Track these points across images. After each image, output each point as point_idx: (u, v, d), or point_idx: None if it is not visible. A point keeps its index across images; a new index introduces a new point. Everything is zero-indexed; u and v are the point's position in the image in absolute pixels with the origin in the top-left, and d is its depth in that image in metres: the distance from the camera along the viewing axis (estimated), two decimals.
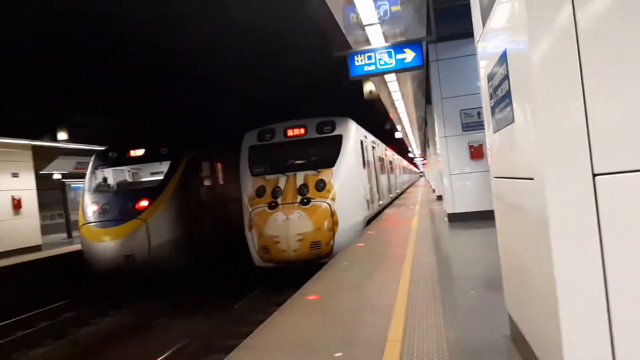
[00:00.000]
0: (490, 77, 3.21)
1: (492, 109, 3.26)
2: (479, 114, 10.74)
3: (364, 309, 4.82)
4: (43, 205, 16.14)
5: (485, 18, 3.22)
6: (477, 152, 10.69)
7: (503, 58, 2.71)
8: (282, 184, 10.58)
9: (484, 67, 3.44)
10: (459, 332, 3.79)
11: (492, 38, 3.09)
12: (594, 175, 2.07)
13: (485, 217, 9.84)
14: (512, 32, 2.51)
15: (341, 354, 3.58)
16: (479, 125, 10.67)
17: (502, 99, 2.86)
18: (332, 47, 9.07)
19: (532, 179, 2.34)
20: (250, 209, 10.51)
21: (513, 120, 2.63)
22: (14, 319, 9.57)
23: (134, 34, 9.65)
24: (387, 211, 16.55)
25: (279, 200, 10.31)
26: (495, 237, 3.61)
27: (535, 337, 2.73)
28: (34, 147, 14.85)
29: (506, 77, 2.68)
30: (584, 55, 2.06)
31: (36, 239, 14.92)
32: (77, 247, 13.49)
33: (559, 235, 2.10)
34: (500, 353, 3.29)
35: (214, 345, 7.51)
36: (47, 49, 9.66)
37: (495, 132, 3.26)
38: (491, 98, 3.26)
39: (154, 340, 8.47)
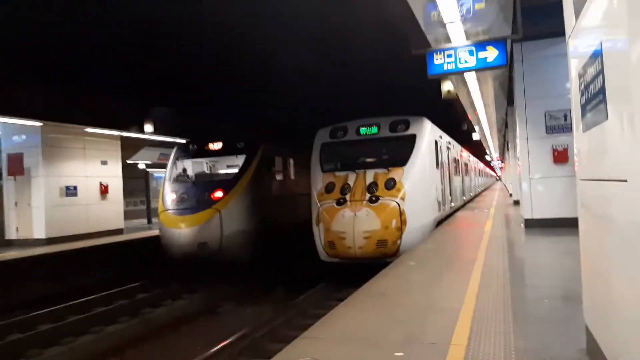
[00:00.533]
0: (581, 74, 2.99)
1: (583, 107, 3.03)
2: (565, 116, 10.09)
3: (429, 309, 4.68)
4: (127, 192, 17.21)
5: (578, 13, 3.02)
6: (561, 156, 10.06)
7: (597, 54, 2.51)
8: (351, 181, 10.54)
9: (576, 64, 3.21)
10: (529, 342, 3.56)
11: (585, 34, 2.88)
12: None
13: (565, 225, 9.26)
14: (608, 29, 2.32)
15: (402, 353, 3.48)
16: (565, 128, 10.03)
17: (595, 96, 2.65)
18: (411, 45, 8.89)
19: (625, 180, 2.14)
20: (318, 204, 10.57)
21: (606, 118, 2.42)
22: (94, 296, 10.27)
23: (215, 34, 10.03)
24: (459, 213, 16.03)
25: (348, 197, 10.28)
26: (574, 245, 3.36)
27: (614, 352, 2.50)
28: (122, 138, 15.89)
29: (600, 73, 2.48)
30: None
31: (119, 222, 15.96)
32: (155, 232, 14.28)
33: None
34: None
35: (276, 334, 7.64)
36: (136, 48, 10.27)
37: (585, 131, 3.03)
38: (582, 95, 3.03)
39: (220, 326, 8.77)
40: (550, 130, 10.26)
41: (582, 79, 2.96)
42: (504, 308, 4.50)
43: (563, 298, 4.80)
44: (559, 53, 9.83)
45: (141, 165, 21.55)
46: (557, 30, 3.61)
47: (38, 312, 9.11)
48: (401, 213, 9.95)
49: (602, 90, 2.46)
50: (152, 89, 13.57)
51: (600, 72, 2.46)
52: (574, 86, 3.29)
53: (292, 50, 10.71)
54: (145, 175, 22.41)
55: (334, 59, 11.98)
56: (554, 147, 10.20)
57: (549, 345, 3.48)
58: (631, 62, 1.97)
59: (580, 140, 3.23)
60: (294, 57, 11.20)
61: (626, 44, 2.00)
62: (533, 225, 10.30)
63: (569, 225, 3.47)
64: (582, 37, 2.98)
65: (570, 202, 3.49)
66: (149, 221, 21.13)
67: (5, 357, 7.00)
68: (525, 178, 10.62)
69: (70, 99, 12.59)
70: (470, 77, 10.78)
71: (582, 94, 2.99)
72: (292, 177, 15.67)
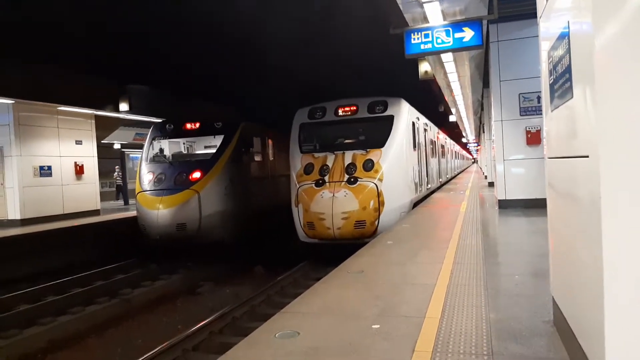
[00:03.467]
0: (550, 54, 3.11)
1: (551, 86, 3.16)
2: (538, 98, 10.32)
3: (405, 285, 4.83)
4: (103, 173, 16.97)
5: None
6: (534, 138, 10.32)
7: (565, 35, 2.62)
8: (330, 162, 10.63)
9: (545, 44, 3.33)
10: (500, 314, 3.74)
11: (555, 16, 2.98)
12: None
13: (537, 206, 9.55)
14: (575, 11, 2.41)
15: (379, 325, 3.62)
16: (538, 110, 10.26)
17: (562, 75, 2.76)
18: (389, 24, 8.93)
19: (587, 156, 2.26)
20: (297, 185, 10.64)
21: (572, 97, 2.54)
22: (71, 277, 10.21)
23: (194, 13, 9.86)
24: (436, 195, 16.32)
25: (327, 178, 10.37)
26: (545, 225, 3.52)
27: (578, 322, 2.67)
28: (96, 117, 15.60)
29: (567, 52, 2.58)
30: None
31: (95, 203, 15.76)
32: (132, 213, 14.17)
33: (610, 215, 2.02)
34: (541, 336, 3.23)
35: (256, 313, 7.77)
36: (112, 23, 10.04)
37: (553, 110, 3.16)
38: (550, 75, 3.15)
39: (200, 305, 8.86)
40: (524, 111, 10.49)
41: (551, 59, 3.07)
42: (476, 283, 4.68)
43: (533, 274, 5.00)
44: (532, 35, 10.04)
45: (116, 145, 21.22)
46: (531, 12, 3.71)
47: (15, 293, 9.03)
48: (379, 194, 10.10)
49: (568, 70, 2.56)
50: (128, 66, 13.31)
51: (567, 52, 2.57)
52: (543, 67, 3.41)
53: (274, 28, 10.60)
54: (120, 155, 22.09)
55: (316, 39, 11.91)
56: (527, 128, 10.44)
57: (518, 317, 3.66)
58: (595, 44, 2.07)
59: (548, 119, 3.36)
60: (275, 37, 11.12)
61: (590, 27, 2.10)
62: (506, 206, 10.58)
63: (541, 206, 3.63)
64: (551, 18, 3.08)
65: (542, 184, 3.64)
66: (126, 202, 20.91)
67: None
68: (500, 160, 10.86)
69: (42, 76, 12.28)
70: (447, 58, 10.89)
71: (550, 73, 3.10)
72: (272, 157, 15.68)
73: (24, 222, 13.00)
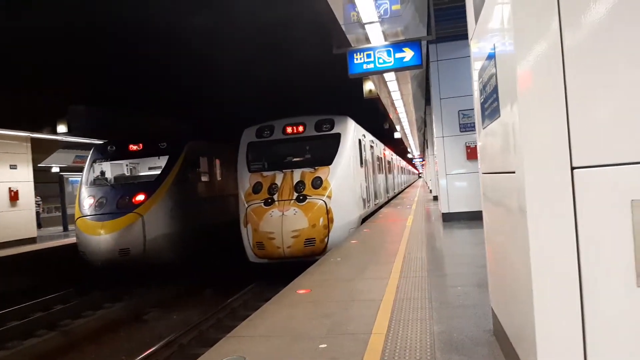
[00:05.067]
0: (480, 74, 3.26)
1: (482, 105, 3.31)
2: None
3: (353, 302, 4.85)
4: (41, 198, 16.14)
5: (477, 17, 3.27)
6: (473, 153, 10.73)
7: (492, 56, 2.76)
8: (279, 181, 10.62)
9: (476, 64, 3.49)
10: (444, 326, 3.82)
11: (483, 37, 3.13)
12: (573, 168, 2.10)
13: (479, 218, 9.87)
14: (500, 35, 2.55)
15: (326, 345, 3.61)
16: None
17: (490, 94, 2.90)
18: (333, 44, 9.10)
19: (514, 172, 2.38)
20: (246, 205, 10.54)
21: (499, 116, 2.67)
22: (8, 309, 9.59)
23: (134, 25, 9.63)
24: (383, 210, 16.59)
25: (276, 197, 10.35)
26: None
27: (513, 330, 2.77)
28: (32, 140, 14.89)
29: (494, 74, 2.72)
30: (568, 62, 2.10)
31: (31, 231, 14.95)
32: (72, 240, 13.52)
33: (536, 226, 2.13)
34: (482, 346, 3.33)
35: (206, 337, 7.56)
36: (46, 40, 9.65)
37: (484, 127, 3.30)
38: (481, 94, 3.31)
39: (147, 333, 8.52)
40: (464, 128, 10.91)
41: (481, 79, 3.23)
42: (421, 296, 4.77)
43: (475, 285, 5.15)
44: (468, 54, 10.52)
45: (55, 169, 20.29)
46: (466, 33, 3.90)
47: None
48: (328, 211, 10.17)
49: (495, 90, 2.70)
50: (67, 84, 12.79)
51: (494, 72, 2.71)
52: (475, 86, 3.57)
53: (223, 46, 10.55)
54: (59, 179, 21.13)
55: (265, 56, 11.94)
56: (467, 144, 10.86)
57: (461, 328, 3.75)
58: (516, 65, 2.20)
59: (481, 137, 3.51)
60: (225, 53, 11.04)
61: (513, 49, 2.23)
62: (450, 219, 10.91)
63: (482, 218, 3.76)
64: (480, 41, 3.25)
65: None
66: (65, 228, 19.94)
67: None
68: (442, 174, 11.22)
69: None
70: (390, 77, 11.21)
71: (481, 93, 3.26)
72: (219, 177, 15.46)
73: None
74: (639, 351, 1.99)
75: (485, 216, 3.65)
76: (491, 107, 2.91)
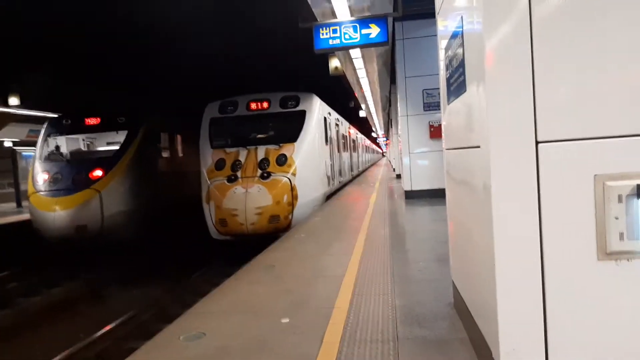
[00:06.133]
0: (447, 49, 3.24)
1: (448, 80, 3.30)
2: (440, 94, 10.85)
3: (316, 278, 4.85)
4: None
5: None
6: (436, 132, 10.84)
7: (459, 32, 2.73)
8: (242, 158, 10.48)
9: (443, 40, 3.46)
10: (406, 300, 3.87)
11: (450, 14, 3.10)
12: (537, 142, 2.11)
13: (441, 195, 10.06)
14: (468, 11, 2.52)
15: (288, 319, 3.60)
16: (440, 106, 10.80)
17: (456, 69, 2.88)
18: (299, 18, 8.92)
19: (479, 147, 2.38)
20: (209, 182, 10.36)
21: (465, 91, 2.66)
22: None
23: None
24: (347, 188, 16.68)
25: (239, 174, 10.21)
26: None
27: (474, 302, 2.82)
28: None
29: (461, 49, 2.70)
30: (536, 39, 2.09)
31: None
32: (26, 216, 13.00)
33: (500, 200, 2.14)
34: (443, 319, 3.38)
35: (166, 314, 7.44)
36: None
37: (449, 104, 3.30)
38: (447, 69, 3.29)
39: (105, 310, 8.32)
40: (427, 107, 11.00)
41: (447, 55, 3.21)
42: (383, 271, 4.82)
43: (436, 260, 5.24)
44: (435, 33, 10.55)
45: (7, 143, 19.36)
46: (433, 11, 3.86)
47: None
48: (292, 188, 10.12)
49: (462, 65, 2.69)
50: (18, 54, 12.12)
51: (461, 47, 2.69)
52: (441, 62, 3.56)
53: (181, 15, 10.16)
54: (12, 153, 20.17)
55: (232, 29, 11.61)
56: (430, 123, 10.96)
57: (423, 302, 3.80)
58: (485, 42, 2.17)
59: (446, 113, 3.52)
60: (187, 23, 10.67)
61: (481, 26, 2.20)
62: (413, 196, 11.06)
63: (444, 195, 3.79)
64: (448, 17, 3.22)
65: (444, 175, 3.81)
66: (19, 204, 19.15)
67: None
68: (406, 153, 11.32)
69: None
70: (356, 54, 11.13)
71: (447, 68, 3.24)
72: (181, 153, 15.12)
73: None
74: (600, 324, 2.05)
75: (448, 192, 3.68)
76: (457, 82, 2.90)
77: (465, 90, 2.68)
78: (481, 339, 2.53)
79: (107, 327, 6.70)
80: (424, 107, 11.05)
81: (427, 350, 2.92)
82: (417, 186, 11.03)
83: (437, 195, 10.17)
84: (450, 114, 3.33)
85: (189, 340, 3.35)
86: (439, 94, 11.06)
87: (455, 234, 3.46)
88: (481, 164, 2.34)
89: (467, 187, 2.86)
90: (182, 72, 15.36)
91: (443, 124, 3.81)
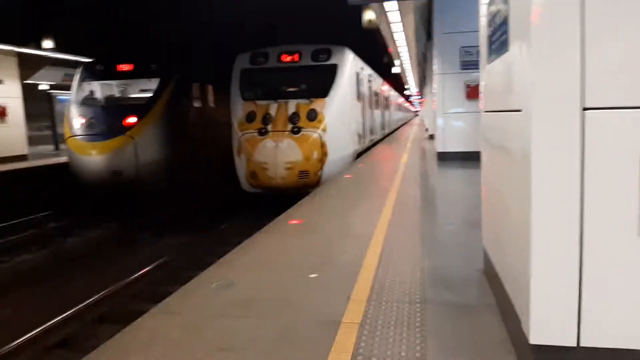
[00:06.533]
0: (490, 4, 3.07)
1: (489, 38, 3.14)
2: (478, 52, 10.44)
3: (344, 235, 4.89)
4: (30, 116, 15.78)
5: None
6: (473, 92, 10.51)
7: None
8: (273, 111, 10.42)
9: None
10: (434, 263, 3.87)
11: None
12: (584, 109, 2.00)
13: (474, 158, 9.86)
14: None
15: (316, 275, 3.65)
16: (478, 64, 10.40)
17: (499, 27, 2.74)
18: None
19: (520, 110, 2.28)
20: (239, 134, 10.40)
21: (508, 50, 2.53)
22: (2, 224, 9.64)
23: None
24: (378, 146, 16.53)
25: (269, 127, 10.20)
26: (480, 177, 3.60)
27: (505, 270, 2.78)
28: (19, 55, 14.31)
29: (506, 4, 2.55)
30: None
31: (22, 148, 14.75)
32: (64, 159, 13.41)
33: (540, 168, 2.06)
34: (472, 284, 3.38)
35: (196, 262, 7.68)
36: None
37: (489, 63, 3.16)
38: (489, 26, 3.13)
39: (137, 254, 8.64)
40: (465, 65, 10.61)
41: (489, 10, 3.05)
42: (413, 233, 4.81)
43: (467, 224, 5.19)
44: None
45: (43, 86, 19.73)
46: None
47: None
48: (322, 145, 10.08)
49: (505, 22, 2.54)
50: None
51: (505, 1, 2.54)
52: (482, 19, 3.38)
53: None
54: (48, 97, 20.59)
55: None
56: (467, 82, 10.61)
57: (451, 266, 3.80)
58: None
59: (485, 73, 3.37)
60: None
61: None
62: (446, 158, 10.87)
63: (478, 159, 3.69)
64: None
65: (479, 137, 3.70)
66: (57, 147, 19.72)
67: None
68: (440, 112, 11.05)
69: None
70: (392, 7, 10.71)
71: (488, 24, 3.08)
72: (212, 104, 15.15)
73: None
74: (636, 301, 2.00)
75: (484, 156, 3.58)
76: (499, 40, 2.76)
77: (507, 49, 2.55)
78: (510, 308, 2.51)
79: (141, 271, 6.97)
80: (460, 65, 10.68)
81: (454, 315, 2.93)
82: (451, 148, 10.82)
83: (470, 158, 9.96)
84: (490, 74, 3.19)
85: (219, 288, 3.45)
86: (477, 52, 10.66)
87: (490, 199, 3.39)
88: (521, 129, 2.25)
89: (504, 152, 2.77)
90: (213, 28, 15.16)
91: (482, 84, 3.68)
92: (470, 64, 10.60)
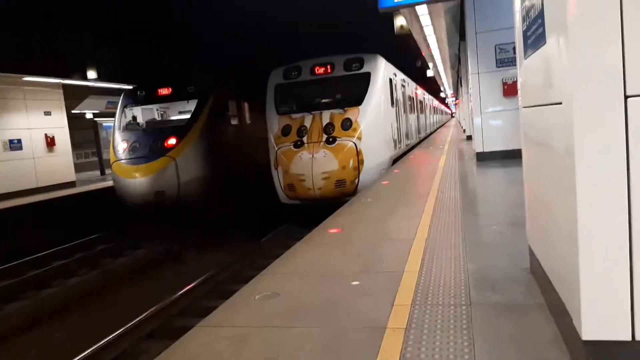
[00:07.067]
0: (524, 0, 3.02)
1: (524, 33, 3.08)
2: (514, 49, 10.22)
3: (385, 241, 4.85)
4: (75, 144, 16.50)
5: None
6: (510, 89, 10.29)
7: None
8: (307, 123, 10.52)
9: None
10: (478, 264, 3.78)
11: None
12: (626, 97, 1.93)
13: (514, 156, 9.63)
14: None
15: (358, 282, 3.64)
16: (514, 61, 10.19)
17: (535, 20, 2.68)
18: None
19: (560, 103, 2.22)
20: (276, 148, 10.53)
21: (545, 43, 2.48)
22: (52, 250, 10.08)
23: None
24: (415, 151, 16.36)
25: (305, 139, 10.28)
26: (522, 175, 3.51)
27: (553, 268, 2.69)
28: (64, 86, 15.04)
29: None
30: None
31: (70, 175, 15.42)
32: (109, 183, 13.93)
33: (583, 160, 1.99)
34: (519, 284, 3.28)
35: (240, 275, 7.80)
36: None
37: (526, 58, 3.09)
38: (524, 21, 3.07)
39: (184, 271, 8.84)
40: (500, 63, 10.42)
41: (523, 4, 2.99)
42: (455, 235, 4.72)
43: (510, 223, 5.06)
44: None
45: (89, 115, 20.64)
46: None
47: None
48: (358, 153, 10.07)
49: (541, 15, 2.49)
50: (94, 30, 12.73)
51: None
52: (517, 14, 3.32)
53: None
54: (93, 125, 21.52)
55: None
56: (504, 80, 10.40)
57: (496, 267, 3.70)
58: None
59: (522, 68, 3.30)
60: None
61: None
62: (485, 158, 10.66)
63: (518, 156, 3.60)
64: None
65: (519, 135, 3.61)
66: (102, 172, 20.52)
67: None
68: (477, 112, 10.86)
69: (3, 44, 11.69)
70: (423, 11, 10.65)
71: (523, 20, 3.03)
72: (248, 120, 15.43)
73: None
74: None
75: (525, 153, 3.49)
76: (535, 33, 2.70)
77: (544, 43, 2.49)
78: (561, 306, 2.42)
79: (188, 287, 7.12)
80: (496, 63, 10.49)
81: (502, 315, 2.85)
82: (490, 147, 10.60)
83: (511, 157, 9.74)
84: (527, 69, 3.12)
85: (264, 299, 3.49)
86: (513, 48, 10.48)
87: (533, 197, 3.30)
88: (562, 122, 2.18)
89: (546, 147, 2.69)
90: (243, 40, 15.46)
91: (519, 80, 3.60)
92: (506, 61, 10.42)
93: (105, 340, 5.49)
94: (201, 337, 2.99)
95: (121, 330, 5.71)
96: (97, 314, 7.12)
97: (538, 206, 3.11)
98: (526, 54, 3.08)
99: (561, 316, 2.43)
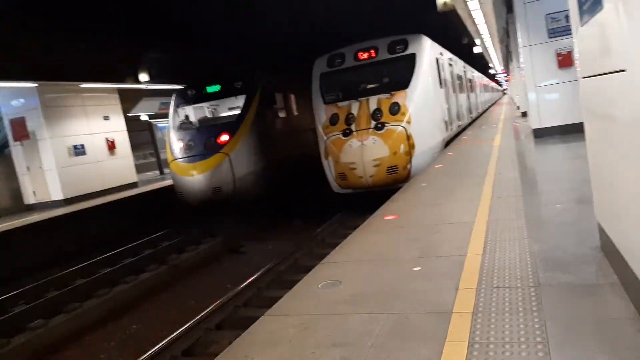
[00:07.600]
0: None
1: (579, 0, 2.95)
2: (567, 17, 9.72)
3: (443, 225, 4.79)
4: (133, 146, 17.20)
5: None
6: (565, 60, 9.82)
7: None
8: (355, 110, 10.44)
9: None
10: (544, 245, 3.68)
11: None
12: None
13: (574, 131, 9.21)
14: None
15: (420, 267, 3.63)
16: (567, 30, 9.70)
17: None
18: None
19: (624, 70, 2.12)
20: (325, 137, 10.55)
21: (602, 8, 2.36)
22: (121, 248, 10.63)
23: None
24: (467, 132, 15.96)
25: (353, 127, 10.23)
26: (583, 150, 3.37)
27: (627, 245, 2.58)
28: (119, 90, 15.70)
29: None
30: None
31: (132, 176, 16.14)
32: (168, 182, 14.49)
33: None
34: (590, 263, 3.16)
35: (299, 265, 7.94)
36: None
37: (582, 25, 2.96)
38: None
39: (245, 263, 9.11)
40: (553, 33, 9.94)
41: None
42: (517, 216, 4.60)
43: (575, 201, 4.87)
44: None
45: (144, 117, 21.45)
46: None
47: (71, 269, 9.48)
48: (408, 137, 9.92)
49: None
50: (139, 33, 13.18)
51: None
52: None
53: None
54: (149, 126, 22.36)
55: None
56: (558, 51, 9.93)
57: (563, 246, 3.58)
58: None
59: (578, 36, 3.16)
60: None
61: None
62: (542, 134, 10.25)
63: (579, 130, 3.45)
64: None
65: (578, 107, 3.46)
66: (161, 172, 21.34)
67: (48, 312, 7.38)
68: (531, 87, 10.44)
69: (61, 54, 12.31)
70: None
71: None
72: (295, 111, 15.56)
73: (67, 201, 13.46)
74: None
75: (587, 126, 3.34)
76: None
77: (601, 7, 2.37)
78: (637, 284, 2.33)
79: (251, 278, 7.34)
80: (548, 33, 10.01)
81: (573, 295, 2.77)
82: (547, 123, 10.17)
83: (570, 131, 9.33)
84: (584, 36, 2.98)
85: (327, 287, 3.55)
86: (565, 17, 10.00)
87: (599, 171, 3.16)
88: (627, 89, 2.08)
89: (610, 118, 2.57)
90: (284, 29, 15.48)
91: (575, 49, 3.44)
92: (558, 30, 9.93)
93: (178, 332, 5.75)
94: (269, 325, 3.09)
95: (190, 322, 5.97)
96: (166, 308, 7.48)
97: (605, 181, 2.98)
98: (582, 20, 2.94)
99: (638, 294, 2.34)
